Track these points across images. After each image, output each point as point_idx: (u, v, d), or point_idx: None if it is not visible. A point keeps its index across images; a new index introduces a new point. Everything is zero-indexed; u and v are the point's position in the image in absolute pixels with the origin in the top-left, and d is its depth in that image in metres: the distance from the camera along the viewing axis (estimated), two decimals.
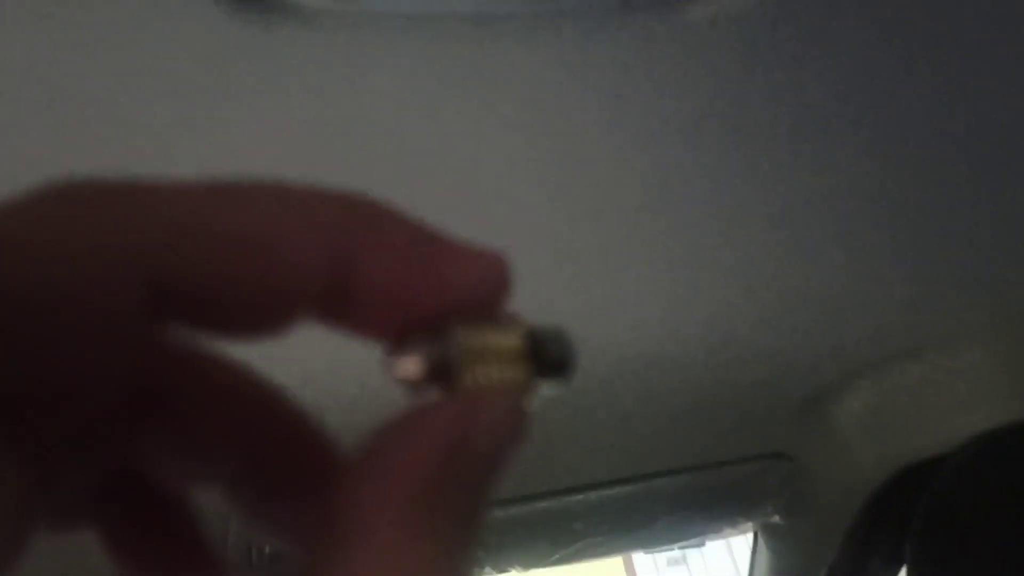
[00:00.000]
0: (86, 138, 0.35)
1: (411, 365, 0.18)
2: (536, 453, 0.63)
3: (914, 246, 0.53)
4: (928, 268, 0.55)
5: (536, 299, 0.52)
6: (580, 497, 0.69)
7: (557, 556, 0.76)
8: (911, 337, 0.63)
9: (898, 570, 0.80)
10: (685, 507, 0.74)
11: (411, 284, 0.18)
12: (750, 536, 0.90)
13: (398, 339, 0.18)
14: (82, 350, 0.16)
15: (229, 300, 0.17)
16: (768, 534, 0.86)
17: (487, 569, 0.73)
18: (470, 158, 0.40)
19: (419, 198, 0.41)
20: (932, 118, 0.43)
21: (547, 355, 0.19)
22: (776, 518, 0.78)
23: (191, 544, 0.22)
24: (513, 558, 0.74)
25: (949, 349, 0.65)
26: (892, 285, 0.56)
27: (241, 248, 0.17)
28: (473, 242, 0.19)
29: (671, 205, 0.46)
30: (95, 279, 0.16)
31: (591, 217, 0.46)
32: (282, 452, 0.21)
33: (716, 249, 0.50)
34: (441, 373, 0.18)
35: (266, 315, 0.18)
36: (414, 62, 0.34)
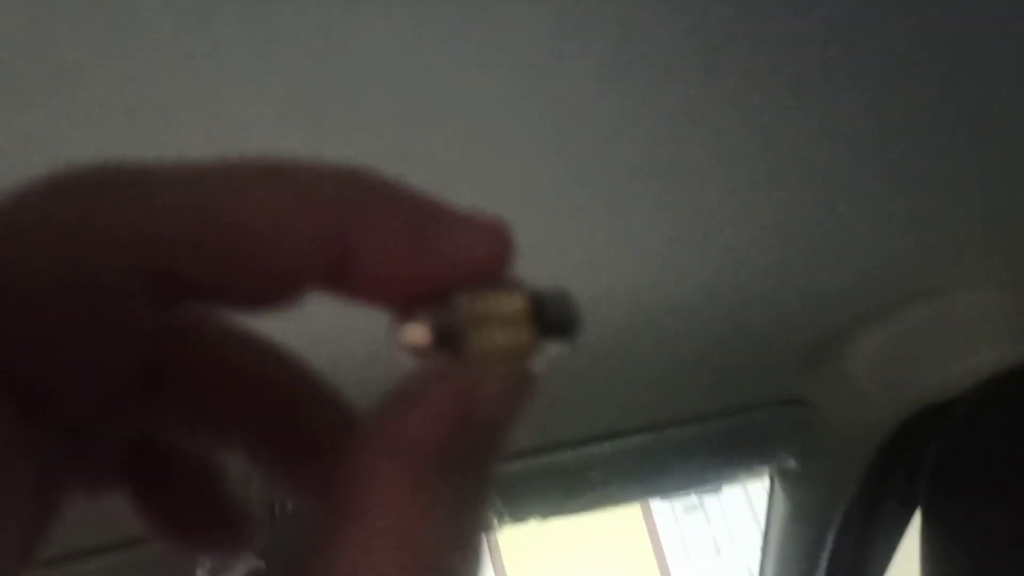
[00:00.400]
0: (78, 107, 0.35)
1: (417, 333, 0.18)
2: (552, 404, 0.64)
3: (920, 187, 0.52)
4: (935, 209, 0.55)
5: (542, 252, 0.52)
6: (596, 447, 0.69)
7: (574, 505, 0.77)
8: (920, 278, 0.63)
9: (913, 511, 0.80)
10: (700, 454, 0.74)
11: (414, 254, 0.18)
12: (767, 482, 0.91)
13: (404, 308, 0.19)
14: (94, 332, 0.17)
15: (235, 280, 0.18)
16: (784, 479, 0.87)
17: (506, 519, 0.74)
18: (469, 113, 0.40)
19: (418, 156, 0.41)
20: (935, 60, 0.42)
21: (551, 317, 0.19)
22: (791, 463, 0.78)
23: (215, 503, 0.22)
24: (531, 508, 0.75)
25: (959, 289, 0.64)
26: (899, 227, 0.56)
27: (244, 230, 0.17)
28: (475, 210, 0.19)
29: (675, 152, 0.45)
30: (103, 266, 0.16)
31: (594, 166, 0.45)
32: (297, 414, 0.21)
33: (723, 195, 0.49)
34: (447, 340, 0.18)
35: (273, 291, 0.18)
36: (409, 16, 0.34)
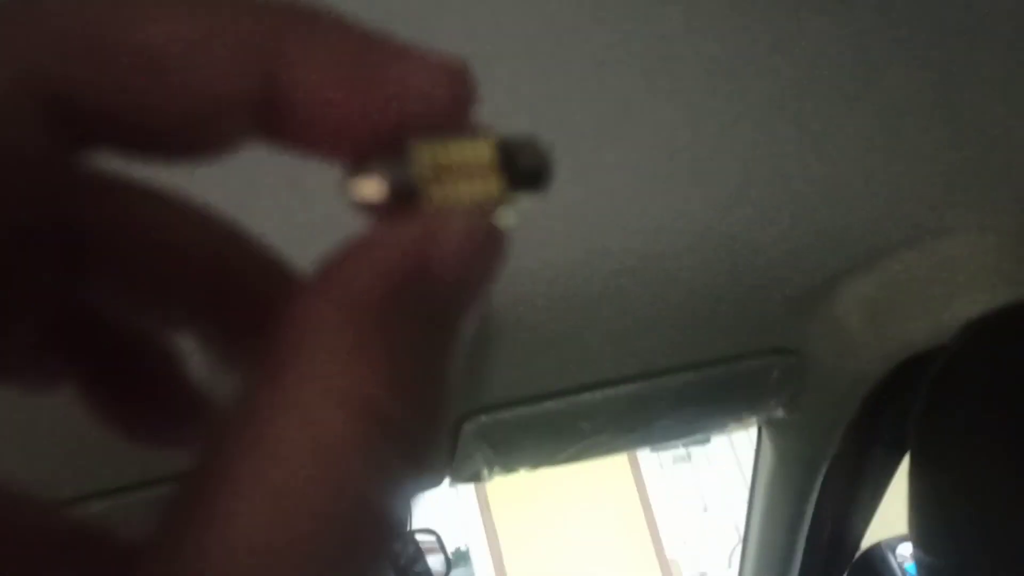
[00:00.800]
0: None
1: (370, 186, 0.16)
2: (540, 353, 0.63)
3: (909, 134, 0.52)
4: (926, 154, 0.54)
5: (531, 199, 0.51)
6: (585, 396, 0.69)
7: (563, 455, 0.77)
8: (909, 225, 0.63)
9: (901, 457, 0.81)
10: (689, 404, 0.75)
11: (358, 89, 0.16)
12: (753, 432, 0.91)
13: (355, 159, 0.17)
14: None
15: (149, 118, 0.15)
16: (772, 428, 0.87)
17: (495, 469, 0.74)
18: (453, 33, 0.39)
19: None
20: (933, 8, 0.42)
21: (520, 165, 0.17)
22: (780, 412, 0.79)
23: (172, 387, 0.20)
24: (520, 457, 0.75)
25: (949, 236, 0.64)
26: (889, 173, 0.55)
27: (149, 47, 0.15)
28: (430, 48, 0.17)
29: (667, 98, 0.45)
30: None
31: (585, 114, 0.45)
32: (239, 284, 0.19)
33: (712, 143, 0.49)
34: (404, 193, 0.16)
35: (192, 131, 0.16)
36: None
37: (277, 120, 0.16)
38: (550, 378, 0.68)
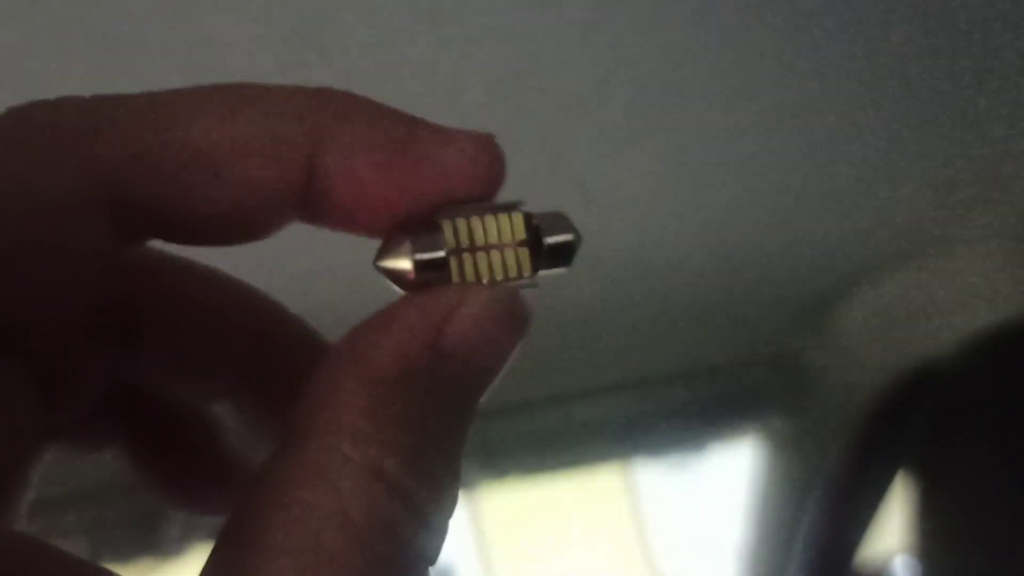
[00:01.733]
0: (51, 29, 0.33)
1: (400, 260, 0.17)
2: (537, 358, 0.63)
3: (913, 146, 0.52)
4: (928, 167, 0.55)
5: (533, 203, 0.51)
6: (582, 402, 0.69)
7: (557, 461, 0.77)
8: (912, 237, 0.63)
9: (896, 471, 0.80)
10: (688, 412, 0.75)
11: (392, 171, 0.17)
12: (750, 442, 0.91)
13: (388, 237, 0.17)
14: (49, 271, 0.16)
15: (200, 211, 0.17)
16: (769, 438, 0.87)
17: (486, 475, 0.73)
18: (454, 46, 0.38)
19: (399, 83, 0.40)
20: (935, 11, 0.42)
21: (548, 241, 0.18)
22: (778, 422, 0.79)
23: (211, 455, 0.21)
24: (513, 463, 0.75)
25: (951, 249, 0.64)
26: (892, 185, 0.56)
27: (202, 148, 0.16)
28: (459, 127, 0.17)
29: (671, 107, 0.45)
30: (50, 183, 0.15)
31: (590, 117, 0.44)
32: (275, 355, 0.20)
33: (718, 151, 0.49)
34: (433, 267, 0.17)
35: (241, 218, 0.17)
36: None
37: (317, 203, 0.17)
38: (544, 384, 0.68)
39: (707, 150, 0.49)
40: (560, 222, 0.18)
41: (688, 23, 0.40)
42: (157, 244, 0.19)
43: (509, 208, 0.18)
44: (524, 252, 0.18)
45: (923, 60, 0.45)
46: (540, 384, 0.67)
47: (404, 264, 0.17)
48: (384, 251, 0.17)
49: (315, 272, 0.47)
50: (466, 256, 0.17)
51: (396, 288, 0.17)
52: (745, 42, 0.41)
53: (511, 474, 0.76)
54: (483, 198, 0.18)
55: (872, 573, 0.90)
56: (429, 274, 0.17)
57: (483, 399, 0.17)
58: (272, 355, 0.20)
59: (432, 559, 0.15)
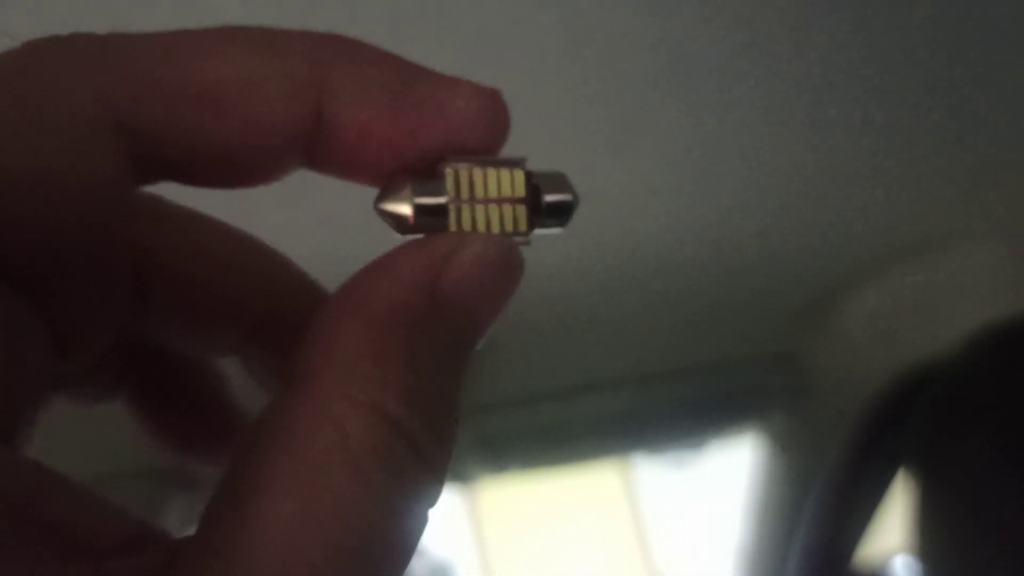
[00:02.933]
0: None
1: (401, 206, 0.17)
2: (535, 353, 0.63)
3: (915, 144, 0.52)
4: (930, 165, 0.55)
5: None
6: (582, 399, 0.69)
7: (556, 458, 0.76)
8: (914, 235, 0.63)
9: (897, 470, 0.80)
10: (688, 409, 0.75)
11: (396, 117, 0.17)
12: (750, 440, 0.91)
13: (390, 181, 0.18)
14: (61, 195, 0.16)
15: (207, 149, 0.17)
16: (769, 436, 0.87)
17: (486, 470, 0.73)
18: (465, 23, 0.38)
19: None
20: (937, 11, 0.42)
21: (546, 198, 0.19)
22: (779, 419, 0.78)
23: (214, 408, 0.22)
24: (512, 459, 0.74)
25: (952, 246, 0.64)
26: (897, 182, 0.56)
27: (211, 84, 0.16)
28: (465, 78, 0.18)
29: (673, 102, 0.45)
30: (64, 110, 0.15)
31: (591, 115, 0.45)
32: (282, 313, 0.20)
33: (718, 149, 0.49)
34: (432, 213, 0.17)
35: (248, 159, 0.17)
36: None
37: (322, 147, 0.17)
38: (545, 379, 0.68)
39: (708, 148, 0.49)
40: (559, 181, 0.19)
41: (691, 21, 0.39)
42: (168, 195, 0.19)
43: (511, 164, 0.18)
44: (522, 208, 0.18)
45: (924, 59, 0.45)
46: (540, 379, 0.67)
47: (404, 208, 0.17)
48: (385, 194, 0.18)
49: (317, 226, 0.46)
50: (465, 207, 0.18)
51: (396, 234, 0.18)
52: (748, 41, 0.41)
53: (510, 468, 0.76)
54: (487, 151, 0.18)
55: (872, 572, 0.90)
56: (428, 219, 0.17)
57: (478, 345, 0.18)
58: (278, 309, 0.21)
59: (432, 501, 0.16)
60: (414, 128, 0.17)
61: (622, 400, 0.71)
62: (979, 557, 0.57)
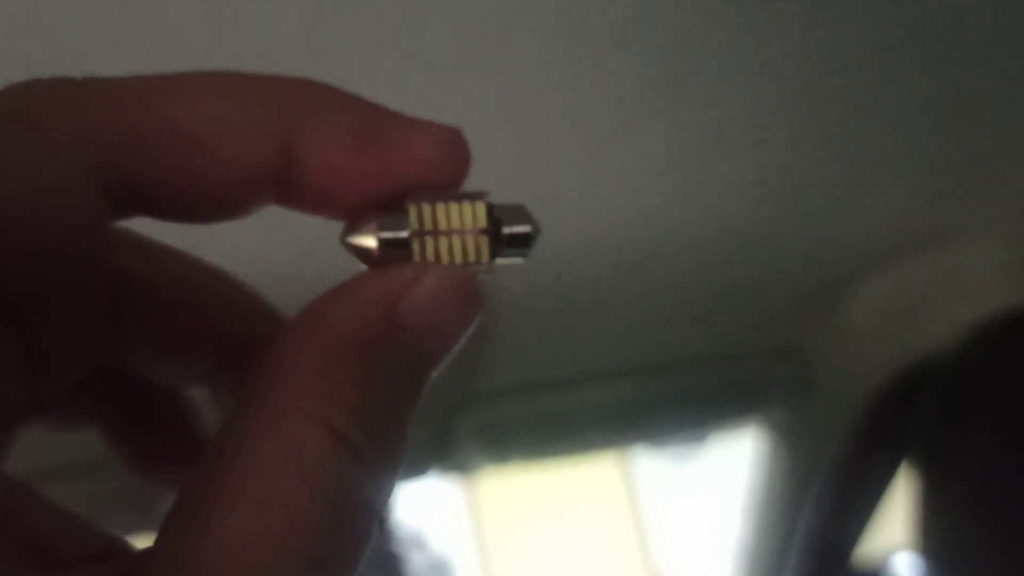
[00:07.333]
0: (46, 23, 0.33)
1: (366, 240, 0.18)
2: (537, 345, 0.63)
3: (919, 139, 0.52)
4: (933, 160, 0.55)
5: (535, 187, 0.51)
6: (582, 390, 0.70)
7: (556, 448, 0.77)
8: (917, 228, 0.63)
9: (900, 463, 0.80)
10: (689, 401, 0.75)
11: (362, 157, 0.18)
12: (751, 433, 0.91)
13: (355, 216, 0.19)
14: (41, 236, 0.16)
15: (181, 186, 0.18)
16: (771, 429, 0.87)
17: (486, 460, 0.73)
18: (458, 23, 0.38)
19: (405, 69, 0.39)
20: (939, 15, 0.42)
21: (506, 230, 0.19)
22: (781, 412, 0.79)
23: (183, 436, 0.23)
24: (512, 450, 0.75)
25: (955, 240, 0.64)
26: (901, 175, 0.56)
27: (186, 127, 0.17)
28: (427, 118, 0.19)
29: (677, 92, 0.45)
30: (45, 152, 0.16)
31: (594, 105, 0.44)
32: (249, 343, 0.21)
33: (721, 137, 0.49)
34: (396, 246, 0.18)
35: (220, 197, 0.18)
36: None
37: (291, 185, 0.18)
38: (546, 368, 0.68)
39: (711, 139, 0.49)
40: (519, 213, 0.20)
41: (696, 11, 0.39)
42: (141, 230, 0.20)
43: (473, 197, 0.19)
44: (483, 239, 0.19)
45: (926, 55, 0.45)
46: (540, 369, 0.67)
47: (369, 241, 0.18)
48: (351, 228, 0.19)
49: (282, 258, 0.47)
50: (428, 239, 0.18)
51: (362, 265, 0.19)
52: (754, 31, 0.41)
53: (509, 459, 0.76)
54: (449, 186, 0.19)
55: (874, 566, 0.90)
56: (393, 252, 0.18)
57: (436, 372, 0.18)
58: (246, 339, 0.21)
59: (379, 513, 0.17)
60: (378, 168, 0.18)
61: (623, 391, 0.71)
62: (982, 550, 0.57)
